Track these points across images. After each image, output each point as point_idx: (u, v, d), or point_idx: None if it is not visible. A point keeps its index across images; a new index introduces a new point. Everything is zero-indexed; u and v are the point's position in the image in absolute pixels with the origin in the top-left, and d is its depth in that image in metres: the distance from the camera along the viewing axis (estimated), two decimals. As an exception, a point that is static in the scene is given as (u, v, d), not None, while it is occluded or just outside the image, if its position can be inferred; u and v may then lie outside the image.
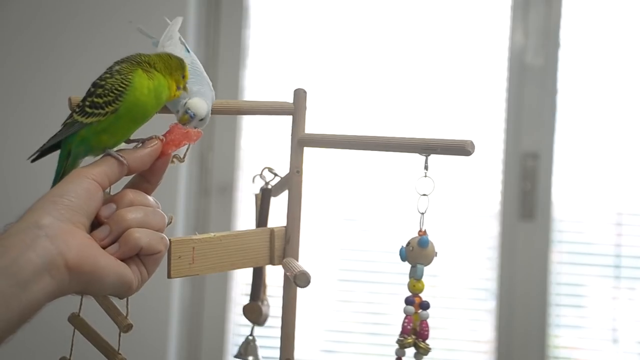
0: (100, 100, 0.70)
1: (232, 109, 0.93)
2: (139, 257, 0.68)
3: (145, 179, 0.72)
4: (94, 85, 0.71)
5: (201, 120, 0.80)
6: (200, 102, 0.80)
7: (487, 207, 1.87)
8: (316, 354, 1.89)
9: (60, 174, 0.72)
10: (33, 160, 0.74)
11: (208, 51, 1.90)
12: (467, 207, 1.87)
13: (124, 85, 0.70)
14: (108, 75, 0.71)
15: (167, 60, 0.74)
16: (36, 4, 1.81)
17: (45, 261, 0.61)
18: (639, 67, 1.86)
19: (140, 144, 0.71)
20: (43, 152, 0.74)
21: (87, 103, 0.70)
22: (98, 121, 0.70)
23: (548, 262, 1.83)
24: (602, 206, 1.85)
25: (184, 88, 0.76)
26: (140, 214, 0.67)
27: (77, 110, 0.71)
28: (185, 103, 0.79)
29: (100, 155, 0.70)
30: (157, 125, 0.78)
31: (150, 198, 0.70)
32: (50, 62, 1.79)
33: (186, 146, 0.79)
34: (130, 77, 0.70)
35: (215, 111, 0.87)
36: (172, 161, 0.81)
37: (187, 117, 0.79)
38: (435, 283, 1.86)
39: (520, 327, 1.83)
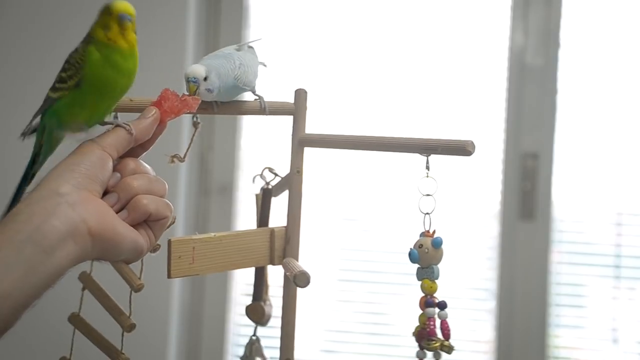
0: (65, 75, 0.71)
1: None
2: (147, 222, 0.69)
3: (141, 145, 0.73)
4: (64, 62, 0.72)
5: (206, 79, 0.81)
6: (194, 66, 0.81)
7: (487, 207, 1.87)
8: (316, 354, 1.89)
9: (36, 148, 0.74)
10: (24, 138, 0.77)
11: (208, 51, 1.89)
12: (467, 207, 1.87)
13: (82, 59, 0.70)
14: (74, 51, 0.71)
15: (97, 20, 0.70)
16: (36, 4, 1.81)
17: (69, 228, 0.62)
18: (639, 67, 1.86)
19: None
20: (32, 130, 0.76)
21: (57, 79, 0.72)
22: (63, 95, 0.71)
23: (548, 262, 1.83)
24: (602, 206, 1.85)
25: (127, 29, 0.69)
26: (145, 182, 0.69)
27: (51, 86, 0.73)
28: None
29: (75, 129, 0.71)
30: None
31: (148, 166, 0.72)
32: (51, 61, 1.79)
33: (187, 145, 0.79)
34: (86, 50, 0.70)
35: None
36: (173, 161, 0.81)
37: (192, 86, 0.80)
38: (435, 283, 1.85)
39: (520, 327, 1.83)
